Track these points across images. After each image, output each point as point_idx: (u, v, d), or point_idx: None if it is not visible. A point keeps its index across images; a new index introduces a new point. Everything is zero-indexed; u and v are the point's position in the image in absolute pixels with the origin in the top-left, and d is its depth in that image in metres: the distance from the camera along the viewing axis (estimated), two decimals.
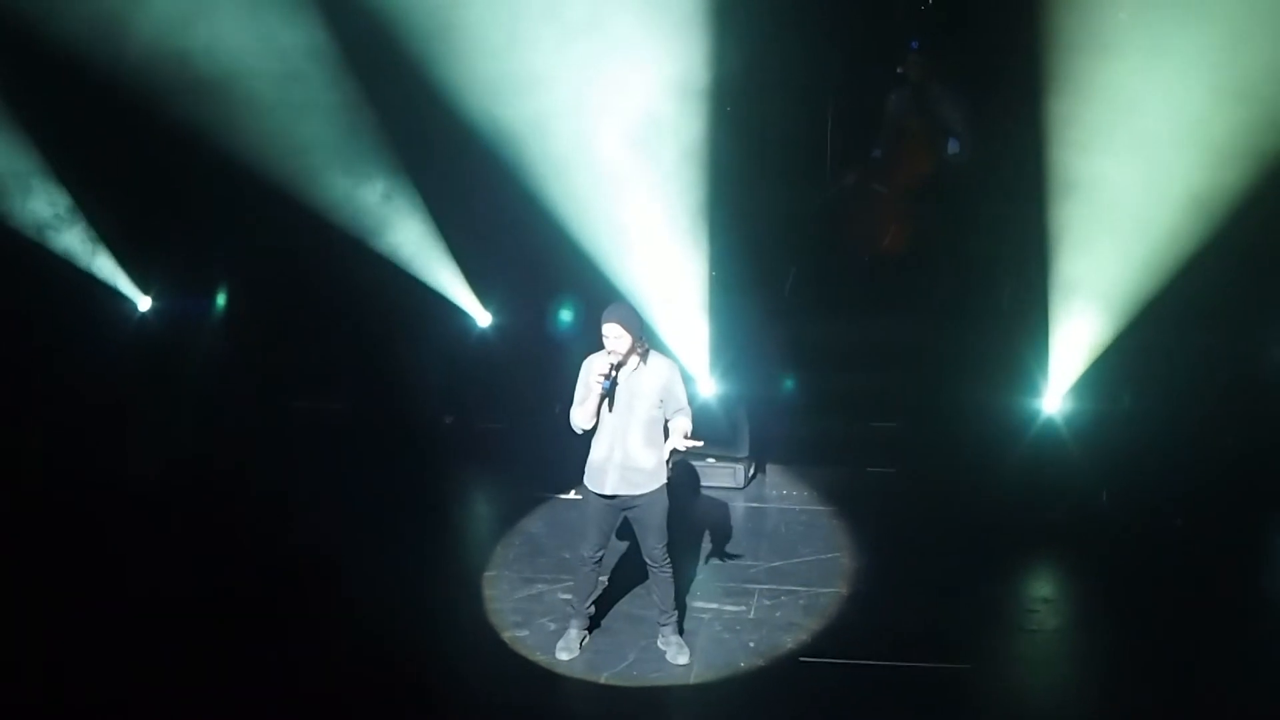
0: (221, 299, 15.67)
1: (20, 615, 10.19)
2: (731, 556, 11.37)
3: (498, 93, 12.90)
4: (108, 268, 15.73)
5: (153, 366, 15.19)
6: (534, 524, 12.10)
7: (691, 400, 9.60)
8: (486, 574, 11.12)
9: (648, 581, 9.87)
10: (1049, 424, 12.43)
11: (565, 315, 14.18)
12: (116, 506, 12.16)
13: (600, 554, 9.69)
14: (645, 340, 9.37)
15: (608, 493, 9.42)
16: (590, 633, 9.96)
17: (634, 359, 9.28)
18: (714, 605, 10.54)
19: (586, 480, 9.54)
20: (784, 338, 13.83)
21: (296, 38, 13.56)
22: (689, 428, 9.34)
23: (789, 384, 13.32)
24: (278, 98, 13.70)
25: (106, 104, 13.69)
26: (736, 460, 12.82)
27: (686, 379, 9.78)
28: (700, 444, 9.35)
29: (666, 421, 9.42)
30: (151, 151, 14.06)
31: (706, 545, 11.51)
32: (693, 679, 9.56)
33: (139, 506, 12.19)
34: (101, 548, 11.36)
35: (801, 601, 10.61)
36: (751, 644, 9.98)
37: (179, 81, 13.56)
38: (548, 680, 9.58)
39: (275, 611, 10.35)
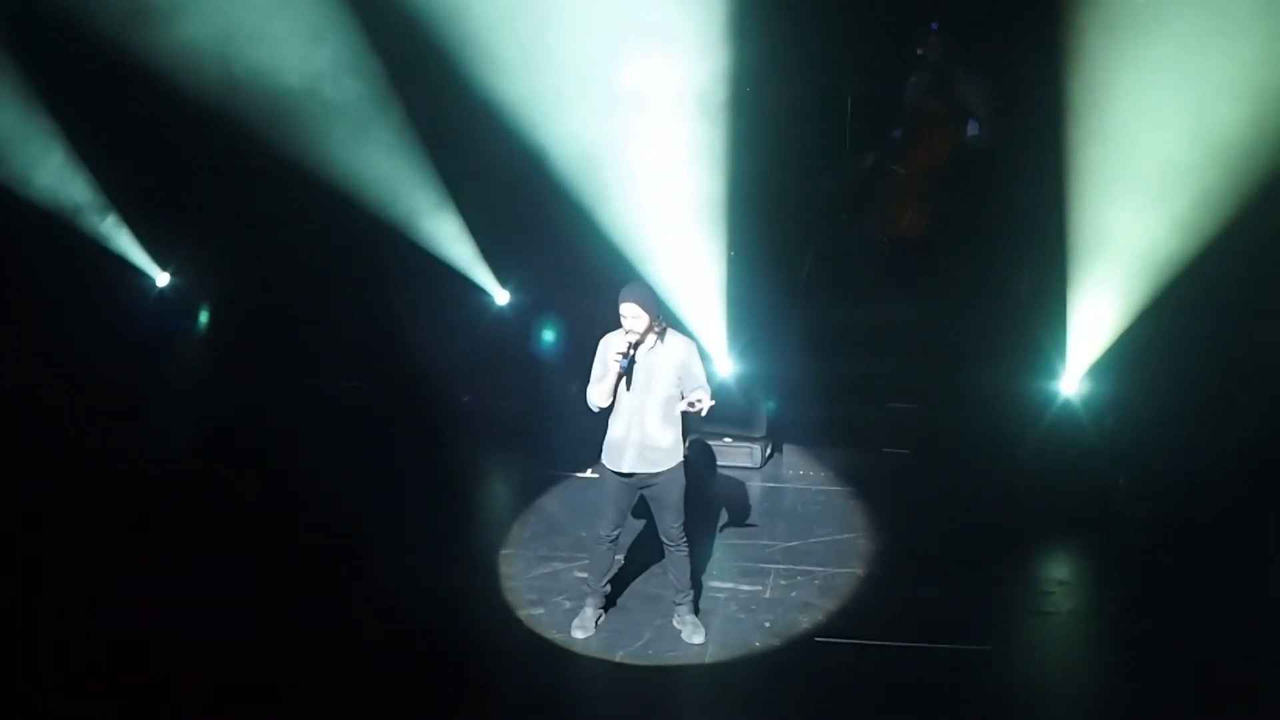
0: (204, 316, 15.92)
1: (39, 597, 10.23)
2: (748, 536, 11.39)
3: (516, 72, 12.89)
4: (128, 245, 15.81)
5: (170, 344, 15.28)
6: (551, 502, 12.12)
7: (710, 380, 9.58)
8: (503, 552, 11.15)
9: (664, 560, 9.88)
10: (1066, 407, 12.42)
11: (548, 335, 14.30)
12: (132, 486, 12.17)
13: (617, 532, 9.70)
14: (663, 319, 9.36)
15: (625, 471, 9.42)
16: (606, 611, 9.98)
17: (651, 338, 9.28)
18: (730, 585, 10.56)
19: (604, 458, 9.55)
20: (801, 319, 13.83)
21: (323, 24, 13.59)
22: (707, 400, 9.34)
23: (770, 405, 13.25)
24: (301, 81, 13.73)
25: (134, 87, 13.72)
26: (753, 440, 12.84)
27: (704, 358, 9.77)
28: (712, 403, 9.32)
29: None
30: (174, 132, 14.10)
31: (723, 524, 11.54)
32: (708, 658, 9.57)
33: (154, 485, 12.21)
34: (117, 527, 11.40)
35: (817, 582, 10.62)
36: (767, 624, 10.00)
37: (205, 68, 13.62)
38: (563, 658, 9.60)
39: (290, 588, 10.38)
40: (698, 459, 12.04)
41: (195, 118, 13.83)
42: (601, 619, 9.91)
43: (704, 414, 9.36)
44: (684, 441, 9.55)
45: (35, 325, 14.58)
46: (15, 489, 11.79)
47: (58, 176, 15.31)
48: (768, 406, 12.96)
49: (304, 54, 13.66)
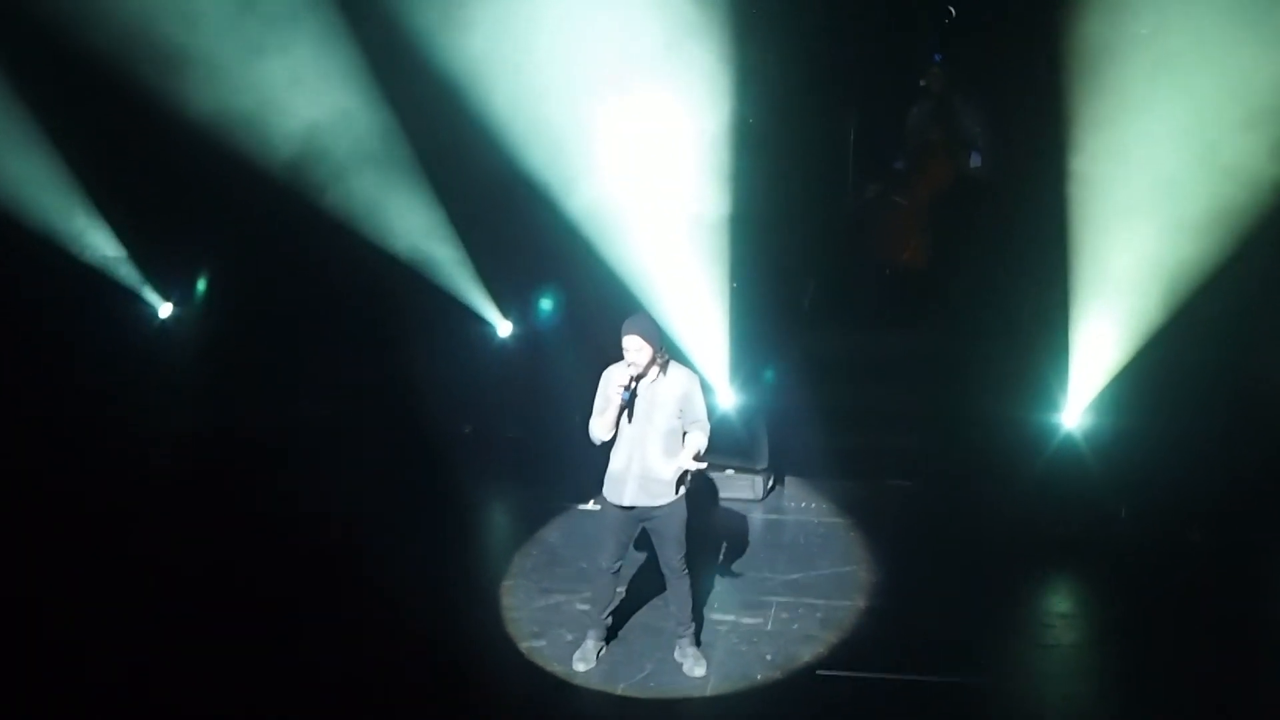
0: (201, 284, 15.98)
1: (41, 615, 10.25)
2: (749, 568, 11.38)
3: (521, 103, 12.91)
4: (130, 274, 15.87)
5: (173, 371, 15.32)
6: (552, 534, 12.13)
7: (711, 411, 9.58)
8: (504, 583, 11.14)
9: (665, 593, 9.85)
10: (1068, 439, 12.40)
11: (545, 305, 14.33)
12: (132, 509, 12.24)
13: (618, 565, 9.69)
14: (665, 351, 9.36)
15: (626, 503, 9.41)
16: (607, 643, 9.96)
17: (654, 370, 9.28)
18: (731, 617, 10.54)
19: (605, 491, 9.54)
20: (803, 349, 13.83)
21: (320, 43, 13.64)
22: (702, 444, 9.32)
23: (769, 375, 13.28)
24: (303, 105, 13.77)
25: (130, 112, 13.78)
26: (755, 472, 12.84)
27: (706, 390, 9.77)
28: (705, 466, 9.36)
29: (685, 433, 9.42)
30: (175, 159, 14.15)
31: (724, 557, 11.53)
32: (709, 691, 9.54)
33: (156, 510, 12.25)
34: (119, 550, 11.44)
35: (819, 614, 10.60)
36: (768, 656, 9.97)
37: (203, 91, 13.67)
38: (564, 691, 9.57)
39: (292, 618, 10.38)
40: (699, 491, 12.01)
41: (198, 147, 13.86)
42: (603, 651, 9.89)
43: (700, 454, 9.36)
44: (679, 484, 9.50)
45: (38, 352, 14.63)
46: (17, 501, 11.86)
47: (62, 206, 15.39)
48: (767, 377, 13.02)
49: (309, 86, 13.70)
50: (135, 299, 16.00)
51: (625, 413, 9.30)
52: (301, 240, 14.43)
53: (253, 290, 15.19)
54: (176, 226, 15.03)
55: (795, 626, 10.42)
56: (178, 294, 16.10)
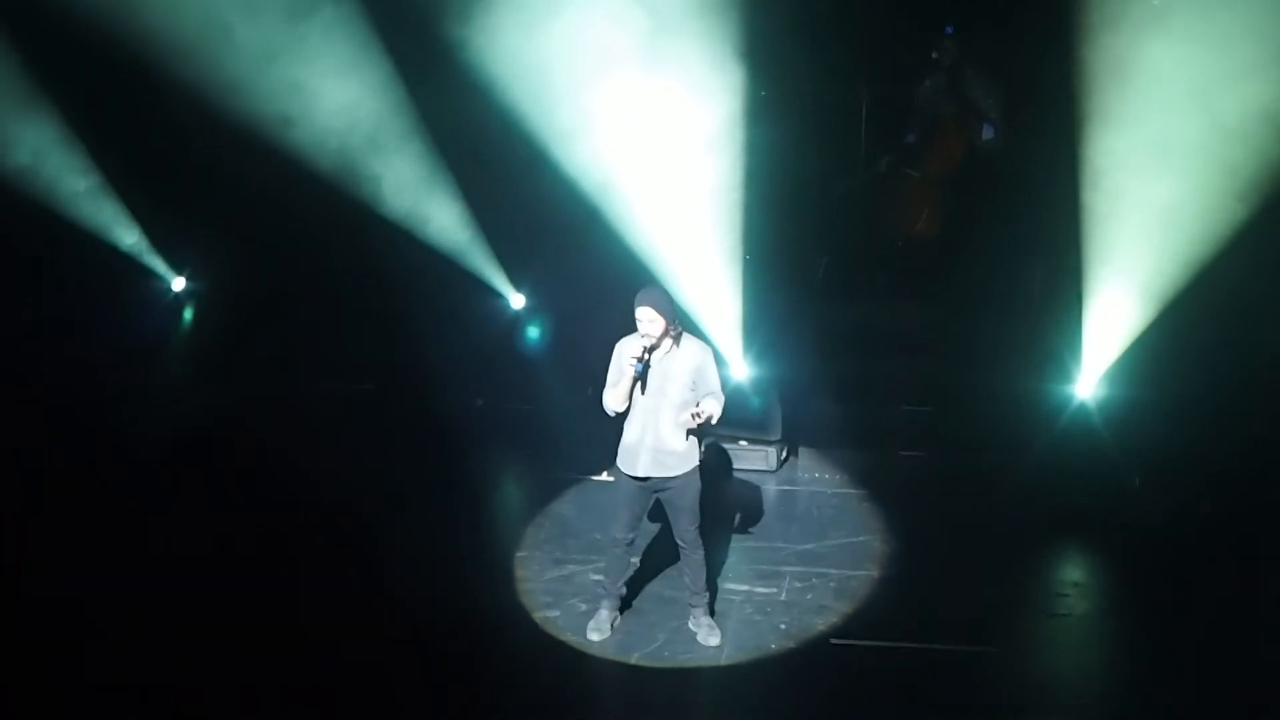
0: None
1: (51, 587, 10.31)
2: (763, 539, 11.41)
3: (532, 77, 12.91)
4: (143, 249, 15.92)
5: (186, 346, 15.36)
6: (565, 505, 12.16)
7: (725, 384, 9.60)
8: (518, 555, 11.17)
9: (679, 563, 9.86)
10: (1081, 409, 12.41)
11: (532, 332, 14.38)
12: (142, 487, 12.27)
13: (632, 536, 9.71)
14: (678, 323, 9.37)
15: (640, 475, 9.44)
16: (621, 614, 9.98)
17: (667, 342, 9.30)
18: (745, 587, 10.57)
19: (619, 462, 9.56)
20: (816, 321, 13.84)
21: (337, 27, 13.65)
22: (717, 411, 9.34)
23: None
24: (316, 80, 13.78)
25: (149, 88, 13.80)
26: (769, 443, 12.86)
27: (720, 362, 9.79)
28: (708, 417, 9.33)
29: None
30: (189, 135, 14.18)
31: (738, 527, 11.56)
32: (723, 660, 9.58)
33: (166, 486, 12.28)
34: (127, 529, 11.47)
35: (832, 584, 10.63)
36: (782, 626, 10.00)
37: (217, 67, 13.69)
38: (579, 661, 9.60)
39: (305, 592, 10.41)
40: (713, 462, 12.05)
41: (215, 128, 13.90)
42: (617, 621, 9.92)
43: (712, 422, 9.37)
44: (700, 446, 9.56)
45: (53, 328, 14.70)
46: (22, 490, 11.92)
47: (76, 179, 15.45)
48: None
49: (324, 70, 13.73)
50: (148, 274, 16.05)
51: (639, 385, 9.32)
52: (314, 217, 14.44)
53: (265, 266, 15.20)
54: (191, 203, 15.06)
55: (809, 596, 10.45)
56: (190, 269, 16.16)
